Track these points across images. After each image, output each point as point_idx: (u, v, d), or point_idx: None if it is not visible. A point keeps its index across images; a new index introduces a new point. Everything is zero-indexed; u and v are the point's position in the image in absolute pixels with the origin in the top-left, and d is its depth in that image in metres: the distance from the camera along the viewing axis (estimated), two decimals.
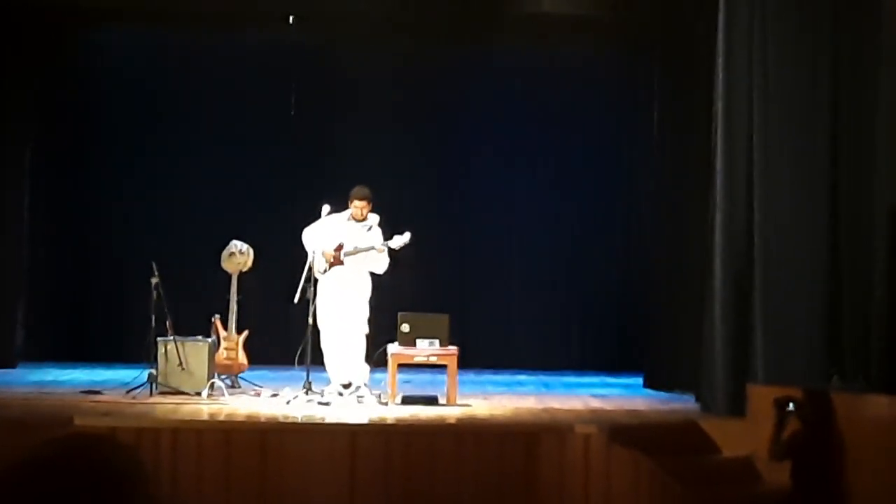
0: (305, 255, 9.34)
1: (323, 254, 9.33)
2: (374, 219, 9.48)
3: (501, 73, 12.45)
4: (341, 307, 9.35)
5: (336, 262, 9.36)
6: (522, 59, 12.42)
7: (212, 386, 9.29)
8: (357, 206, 9.39)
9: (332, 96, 12.29)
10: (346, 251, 9.34)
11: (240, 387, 9.80)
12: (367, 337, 9.38)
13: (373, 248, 9.27)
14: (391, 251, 9.34)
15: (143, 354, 9.51)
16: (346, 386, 9.30)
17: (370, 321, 9.41)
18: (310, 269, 9.22)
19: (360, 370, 9.35)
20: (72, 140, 12.42)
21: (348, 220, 9.45)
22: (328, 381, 9.34)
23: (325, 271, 9.35)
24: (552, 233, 12.55)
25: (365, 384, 9.27)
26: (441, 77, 12.45)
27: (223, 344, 9.95)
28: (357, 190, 9.44)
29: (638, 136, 11.77)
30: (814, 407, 6.72)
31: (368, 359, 9.34)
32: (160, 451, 7.51)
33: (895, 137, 8.14)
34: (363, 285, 9.42)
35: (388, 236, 9.35)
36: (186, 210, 12.25)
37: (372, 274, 9.44)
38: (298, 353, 9.22)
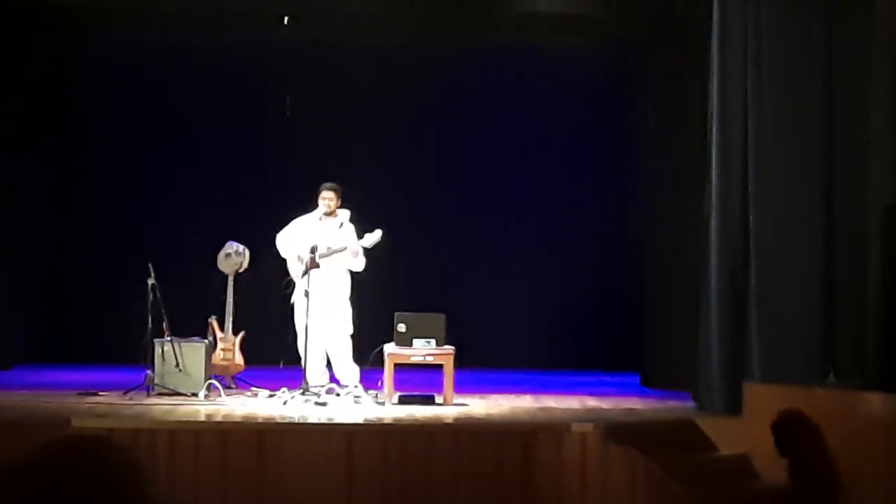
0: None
1: (298, 258, 9.30)
2: (344, 214, 9.42)
3: (495, 73, 12.46)
4: (322, 309, 9.27)
5: (312, 265, 9.26)
6: (516, 57, 12.42)
7: (208, 387, 9.30)
8: (324, 197, 9.34)
9: (327, 96, 12.29)
10: (321, 253, 9.26)
11: (236, 387, 9.80)
12: (353, 337, 9.36)
13: (346, 248, 9.23)
14: (365, 249, 9.28)
15: (140, 356, 9.52)
16: (328, 390, 9.25)
17: (355, 320, 9.39)
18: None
19: (350, 371, 9.33)
20: (67, 141, 12.43)
21: (320, 218, 9.41)
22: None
23: (303, 275, 9.27)
24: (548, 232, 12.55)
25: (358, 384, 9.25)
26: (434, 76, 12.45)
27: (220, 345, 9.95)
28: (324, 184, 9.42)
29: (633, 135, 11.77)
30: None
31: (362, 359, 9.32)
32: (157, 452, 7.51)
33: (889, 136, 8.14)
34: (342, 285, 9.37)
35: (360, 234, 9.28)
36: (182, 211, 12.26)
37: (352, 272, 9.40)
38: (282, 355, 9.23)
